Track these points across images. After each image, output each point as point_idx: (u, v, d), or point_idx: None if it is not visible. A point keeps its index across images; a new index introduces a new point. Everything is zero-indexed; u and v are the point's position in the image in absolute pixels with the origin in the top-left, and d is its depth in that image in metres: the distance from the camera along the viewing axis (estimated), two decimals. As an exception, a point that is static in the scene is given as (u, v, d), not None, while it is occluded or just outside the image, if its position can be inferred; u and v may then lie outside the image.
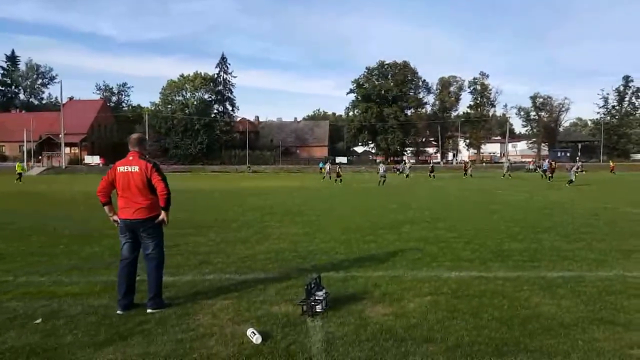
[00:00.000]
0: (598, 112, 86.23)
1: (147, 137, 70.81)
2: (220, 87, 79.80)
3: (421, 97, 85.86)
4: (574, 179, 26.10)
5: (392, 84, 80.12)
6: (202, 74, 77.86)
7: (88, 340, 3.70)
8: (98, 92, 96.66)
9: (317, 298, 4.30)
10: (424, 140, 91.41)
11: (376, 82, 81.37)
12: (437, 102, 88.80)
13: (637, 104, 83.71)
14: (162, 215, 4.59)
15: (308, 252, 7.28)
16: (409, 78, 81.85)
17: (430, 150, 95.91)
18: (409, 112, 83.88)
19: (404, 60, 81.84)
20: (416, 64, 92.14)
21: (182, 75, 77.98)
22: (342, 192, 22.57)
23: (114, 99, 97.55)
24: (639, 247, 7.53)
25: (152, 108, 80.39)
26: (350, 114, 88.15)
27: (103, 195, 4.58)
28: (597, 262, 6.41)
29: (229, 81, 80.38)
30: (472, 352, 3.45)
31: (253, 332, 3.68)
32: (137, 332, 3.88)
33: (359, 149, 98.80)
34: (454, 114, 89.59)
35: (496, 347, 3.52)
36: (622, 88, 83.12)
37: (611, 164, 53.05)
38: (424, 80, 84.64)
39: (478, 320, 4.13)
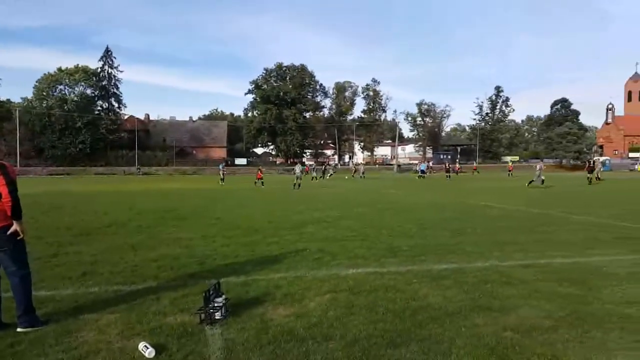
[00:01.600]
0: (474, 119, 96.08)
1: (18, 135, 63.37)
2: (105, 82, 73.72)
3: (319, 100, 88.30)
4: (543, 179, 25.86)
5: (290, 86, 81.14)
6: (84, 68, 71.21)
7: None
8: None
9: (216, 305, 4.13)
10: (322, 142, 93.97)
11: (275, 84, 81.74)
12: (333, 106, 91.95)
13: (506, 112, 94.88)
14: (15, 226, 3.93)
15: (206, 257, 6.99)
16: (307, 81, 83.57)
17: (328, 152, 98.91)
18: (307, 115, 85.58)
19: (302, 64, 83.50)
20: (313, 68, 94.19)
21: (60, 69, 70.51)
22: (244, 194, 22.19)
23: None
24: (510, 239, 8.49)
25: (25, 104, 71.39)
26: (250, 114, 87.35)
27: None
28: (476, 255, 7.09)
29: (114, 76, 74.64)
30: (369, 345, 3.59)
31: (145, 346, 3.42)
32: (8, 355, 3.40)
33: (259, 151, 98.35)
34: (349, 117, 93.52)
35: (391, 339, 3.71)
36: (494, 97, 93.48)
37: (510, 164, 56.57)
38: (321, 84, 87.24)
39: (374, 314, 4.32)
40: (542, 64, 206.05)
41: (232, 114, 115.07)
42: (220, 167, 35.60)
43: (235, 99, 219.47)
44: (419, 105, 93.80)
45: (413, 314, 4.33)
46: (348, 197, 19.66)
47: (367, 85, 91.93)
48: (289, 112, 78.70)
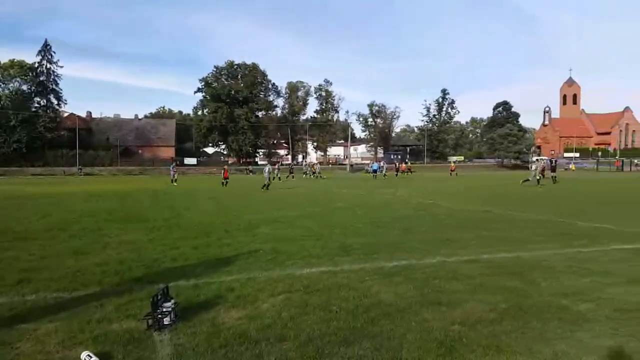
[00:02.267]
0: (422, 120, 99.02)
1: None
2: (43, 78, 69.27)
3: (271, 99, 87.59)
4: (538, 178, 26.28)
5: (242, 85, 79.97)
6: (20, 62, 66.70)
7: None
8: None
9: (164, 310, 3.99)
10: (274, 142, 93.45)
11: (225, 82, 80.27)
12: (286, 106, 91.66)
13: (452, 114, 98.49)
14: None
15: (154, 261, 6.74)
16: (259, 80, 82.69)
17: (282, 152, 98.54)
18: (259, 114, 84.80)
19: (253, 62, 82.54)
20: (265, 67, 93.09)
21: (-9, 63, 65.65)
22: (196, 195, 21.62)
23: None
24: (456, 237, 8.81)
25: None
26: (200, 113, 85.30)
27: None
28: (425, 251, 7.30)
29: (53, 71, 70.19)
30: (322, 344, 3.60)
31: (88, 355, 3.25)
32: None
33: (210, 150, 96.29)
34: (302, 117, 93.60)
35: (344, 337, 3.74)
36: (440, 100, 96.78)
37: (452, 165, 58.14)
38: (274, 83, 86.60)
39: (327, 313, 4.34)
40: (486, 69, 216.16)
41: (180, 112, 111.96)
42: (171, 167, 34.33)
43: (184, 96, 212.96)
44: (370, 106, 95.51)
45: (365, 311, 4.39)
46: (303, 197, 19.68)
47: (320, 85, 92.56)
48: (241, 111, 77.56)
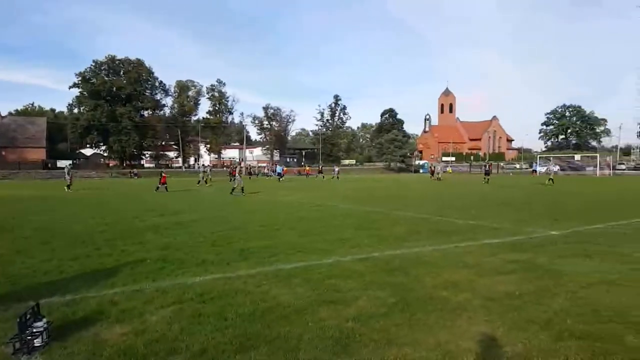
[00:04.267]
0: (316, 125, 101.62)
1: None
2: None
3: (159, 98, 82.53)
4: (551, 178, 33.56)
5: (124, 81, 74.09)
6: None
7: None
8: None
9: (34, 330, 3.54)
10: (163, 143, 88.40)
11: (106, 78, 73.80)
12: (175, 106, 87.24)
13: (344, 119, 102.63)
14: None
15: (22, 276, 5.93)
16: (144, 77, 77.35)
17: (171, 154, 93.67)
18: (145, 113, 79.59)
19: (138, 58, 77.05)
20: (152, 64, 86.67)
21: None
22: (72, 200, 19.48)
23: None
24: (349, 236, 9.15)
25: None
26: (76, 111, 77.38)
27: None
28: (322, 252, 7.48)
29: None
30: (217, 354, 3.49)
31: None
32: None
33: (88, 152, 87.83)
34: (193, 118, 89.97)
35: (240, 344, 3.66)
36: (333, 105, 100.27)
37: (336, 169, 60.63)
38: (161, 81, 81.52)
39: (223, 320, 4.21)
40: (375, 77, 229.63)
41: (52, 110, 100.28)
42: (67, 171, 29.38)
43: (57, 93, 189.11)
44: (265, 109, 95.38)
45: (263, 315, 4.35)
46: (199, 200, 18.89)
47: (212, 85, 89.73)
48: (124, 110, 71.89)
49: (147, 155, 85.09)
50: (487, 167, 41.09)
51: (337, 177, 47.93)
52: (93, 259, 7.06)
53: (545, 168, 62.93)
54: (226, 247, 7.91)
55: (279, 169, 46.84)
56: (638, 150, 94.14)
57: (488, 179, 36.62)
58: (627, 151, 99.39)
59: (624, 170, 67.19)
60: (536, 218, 12.01)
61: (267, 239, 8.86)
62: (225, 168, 71.64)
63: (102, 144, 77.88)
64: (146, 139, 76.50)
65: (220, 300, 4.83)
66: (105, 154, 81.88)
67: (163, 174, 27.46)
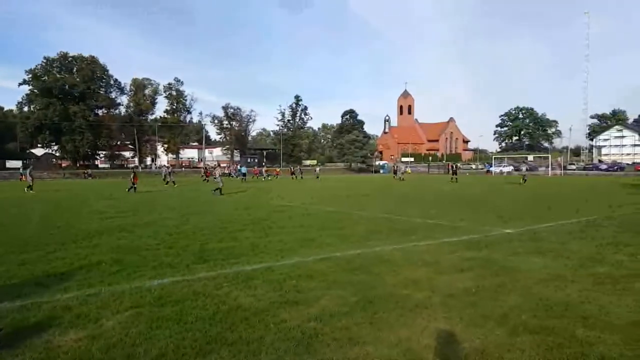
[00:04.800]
0: (277, 125, 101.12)
1: None
2: None
3: (114, 97, 79.59)
4: (526, 178, 34.39)
5: (78, 79, 70.98)
6: None
7: None
8: None
9: (-22, 341, 3.33)
10: (118, 143, 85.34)
11: (58, 76, 70.45)
12: (131, 104, 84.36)
13: (305, 119, 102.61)
14: None
15: (-38, 283, 5.57)
16: (99, 75, 74.39)
17: (127, 154, 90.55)
18: (100, 112, 76.59)
19: (92, 55, 74.00)
20: (106, 61, 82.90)
21: None
22: (28, 202, 18.44)
23: None
24: (310, 236, 9.17)
25: None
26: (26, 109, 73.44)
27: None
28: (284, 252, 7.45)
29: None
30: (177, 358, 3.42)
31: None
32: None
33: (39, 152, 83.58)
34: (150, 117, 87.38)
35: (200, 348, 3.59)
36: (294, 105, 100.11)
37: (274, 169, 60.42)
38: (116, 79, 78.64)
39: (182, 324, 4.12)
40: (335, 79, 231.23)
41: (1, 109, 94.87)
42: (27, 172, 27.47)
43: (5, 91, 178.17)
44: (225, 108, 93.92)
45: (223, 317, 4.28)
46: (158, 202, 18.35)
47: (170, 84, 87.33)
48: (77, 108, 68.82)
49: (101, 156, 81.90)
50: (455, 167, 42.82)
51: (318, 177, 51.32)
52: (44, 263, 6.71)
53: (499, 169, 68.05)
54: (184, 250, 7.73)
55: (243, 169, 46.22)
56: (587, 151, 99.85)
57: (456, 178, 38.29)
58: (577, 152, 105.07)
59: (574, 170, 70.81)
60: (492, 217, 12.46)
61: (227, 240, 8.73)
62: (183, 169, 70.04)
63: (54, 143, 74.26)
64: (101, 139, 73.65)
65: (180, 303, 4.72)
66: (58, 154, 78.17)
67: (135, 174, 26.43)
